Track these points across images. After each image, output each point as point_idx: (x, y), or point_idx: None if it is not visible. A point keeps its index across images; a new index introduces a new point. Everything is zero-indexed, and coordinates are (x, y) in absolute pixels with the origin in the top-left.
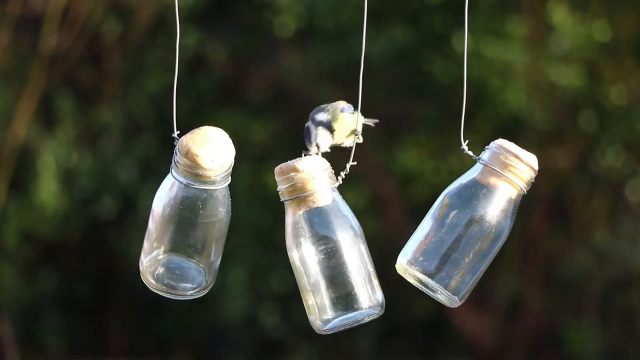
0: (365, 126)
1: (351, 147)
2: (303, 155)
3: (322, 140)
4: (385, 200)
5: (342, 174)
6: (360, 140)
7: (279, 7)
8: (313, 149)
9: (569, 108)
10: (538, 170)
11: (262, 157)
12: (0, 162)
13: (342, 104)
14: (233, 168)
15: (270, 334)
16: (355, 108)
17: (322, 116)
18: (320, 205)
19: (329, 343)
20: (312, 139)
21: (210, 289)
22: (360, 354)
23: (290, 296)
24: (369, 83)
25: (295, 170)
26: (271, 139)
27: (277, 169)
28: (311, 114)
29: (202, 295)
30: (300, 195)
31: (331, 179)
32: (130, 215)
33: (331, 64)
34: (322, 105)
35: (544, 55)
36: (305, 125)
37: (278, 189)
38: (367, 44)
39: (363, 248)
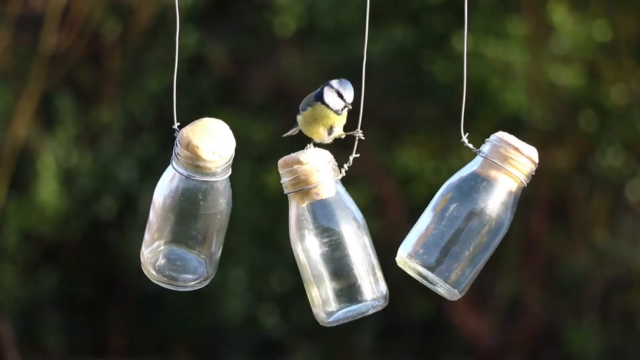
0: (363, 126)
1: (353, 140)
2: (307, 147)
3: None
4: (385, 200)
5: (346, 166)
6: (362, 137)
7: (279, 7)
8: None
9: (569, 108)
10: (538, 170)
11: (261, 156)
12: (0, 162)
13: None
14: (232, 167)
15: (270, 334)
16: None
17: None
18: (323, 197)
19: (328, 343)
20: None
21: (211, 288)
22: (360, 353)
23: (290, 296)
24: (369, 83)
25: (299, 162)
26: (271, 139)
27: (280, 161)
28: (325, 85)
29: (202, 286)
30: (304, 187)
31: (335, 171)
32: (130, 215)
33: (331, 64)
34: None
35: (544, 55)
36: (339, 80)
37: (282, 181)
38: (367, 44)
39: (367, 240)
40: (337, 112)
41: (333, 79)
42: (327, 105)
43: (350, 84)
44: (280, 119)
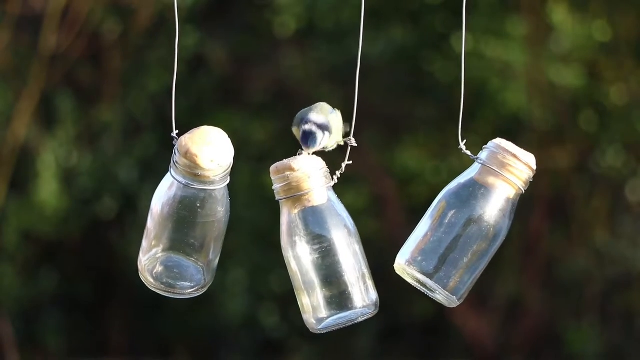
0: (358, 126)
1: (346, 147)
2: (298, 154)
3: (325, 143)
4: (385, 200)
5: (338, 173)
6: (355, 145)
7: (279, 7)
8: (312, 151)
9: (569, 108)
10: (538, 170)
11: (261, 157)
12: (0, 162)
13: (326, 105)
14: (233, 168)
15: (270, 334)
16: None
17: (319, 118)
18: (315, 204)
19: (328, 343)
20: (318, 143)
21: (211, 289)
22: (360, 354)
23: (290, 296)
24: (369, 83)
25: (291, 169)
26: (271, 139)
27: (272, 167)
28: (304, 117)
29: (200, 294)
30: (295, 194)
31: (326, 178)
32: (130, 215)
33: (331, 63)
34: (307, 108)
35: (544, 55)
36: (306, 128)
37: (273, 187)
38: (366, 44)
39: (358, 248)
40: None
41: (333, 78)
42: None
43: (315, 140)
44: (280, 119)
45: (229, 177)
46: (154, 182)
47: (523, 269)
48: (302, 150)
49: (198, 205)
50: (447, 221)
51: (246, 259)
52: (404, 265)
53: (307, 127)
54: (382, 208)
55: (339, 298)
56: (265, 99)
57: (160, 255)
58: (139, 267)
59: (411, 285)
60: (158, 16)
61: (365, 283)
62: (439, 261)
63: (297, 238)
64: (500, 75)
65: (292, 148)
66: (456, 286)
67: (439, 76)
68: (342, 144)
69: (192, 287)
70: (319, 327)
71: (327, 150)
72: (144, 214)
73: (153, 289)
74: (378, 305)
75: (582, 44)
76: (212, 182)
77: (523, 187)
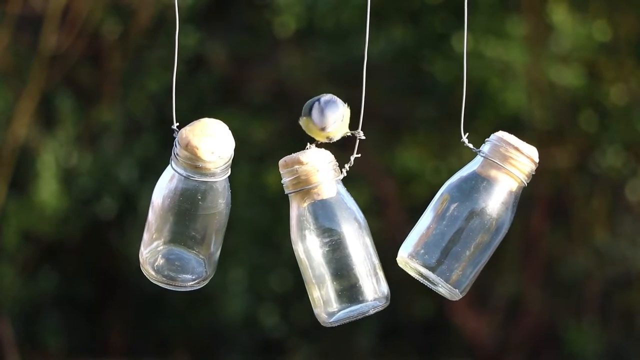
0: (362, 126)
1: (352, 143)
2: (307, 148)
3: (341, 120)
4: (385, 200)
5: (347, 166)
6: (363, 137)
7: (279, 7)
8: (328, 121)
9: (569, 108)
10: (538, 170)
11: (261, 157)
12: (0, 162)
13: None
14: (232, 167)
15: (270, 334)
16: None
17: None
18: (324, 197)
19: (328, 343)
20: (340, 109)
21: (211, 288)
22: (360, 353)
23: (290, 296)
24: (369, 83)
25: (300, 162)
26: (271, 139)
27: (281, 161)
28: (318, 98)
29: (201, 286)
30: (304, 187)
31: (335, 171)
32: (130, 215)
33: (331, 63)
34: (315, 97)
35: (544, 55)
36: (325, 98)
37: (282, 181)
38: (368, 44)
39: (368, 240)
40: (322, 130)
41: (333, 78)
42: (314, 122)
43: (337, 106)
44: (280, 119)
45: (229, 169)
46: (154, 182)
47: (523, 268)
48: (311, 144)
49: (199, 197)
50: (449, 214)
51: (246, 259)
52: (406, 258)
53: (325, 97)
54: (383, 208)
55: (349, 291)
56: (265, 99)
57: (161, 247)
58: (140, 259)
59: (412, 283)
60: (158, 16)
61: (376, 275)
62: (441, 254)
63: (306, 232)
64: (500, 75)
65: (292, 148)
66: (459, 279)
67: (439, 76)
68: (349, 134)
69: (194, 280)
70: (330, 321)
71: (331, 141)
72: (144, 214)
73: (154, 282)
74: (389, 297)
75: (582, 44)
76: (213, 174)
77: (525, 180)
